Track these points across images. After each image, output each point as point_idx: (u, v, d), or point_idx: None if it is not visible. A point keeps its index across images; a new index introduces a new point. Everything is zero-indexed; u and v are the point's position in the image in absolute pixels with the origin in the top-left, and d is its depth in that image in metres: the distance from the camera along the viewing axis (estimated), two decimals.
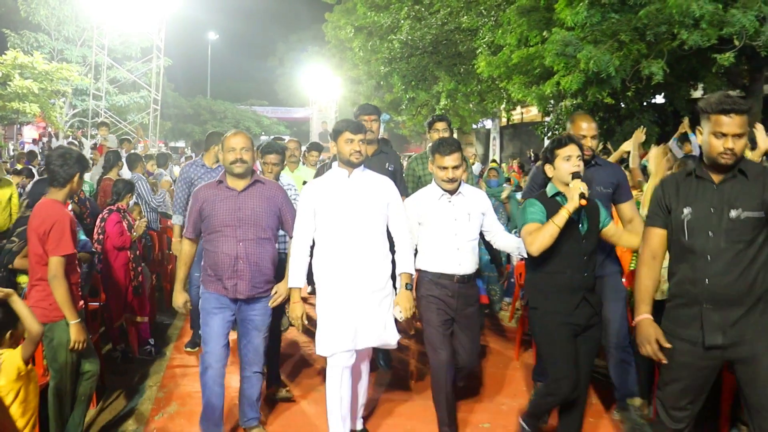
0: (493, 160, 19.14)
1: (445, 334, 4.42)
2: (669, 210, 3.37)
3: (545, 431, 4.75)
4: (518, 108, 21.86)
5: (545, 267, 4.08)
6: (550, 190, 4.17)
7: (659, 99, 15.19)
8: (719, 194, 3.23)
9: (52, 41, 26.96)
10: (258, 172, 5.58)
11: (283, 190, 4.60)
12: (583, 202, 3.83)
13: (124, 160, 9.09)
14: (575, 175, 3.90)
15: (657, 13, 9.71)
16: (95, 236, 6.23)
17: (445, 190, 4.44)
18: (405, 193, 5.22)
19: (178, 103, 43.52)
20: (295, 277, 4.26)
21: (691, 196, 3.28)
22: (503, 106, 18.52)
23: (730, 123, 3.15)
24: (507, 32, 13.14)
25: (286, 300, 4.48)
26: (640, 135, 6.49)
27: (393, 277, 4.57)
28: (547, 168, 4.20)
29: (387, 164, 5.62)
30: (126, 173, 8.90)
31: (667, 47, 10.19)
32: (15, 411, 3.29)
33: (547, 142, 14.62)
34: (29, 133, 29.58)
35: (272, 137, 45.50)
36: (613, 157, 7.02)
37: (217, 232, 4.31)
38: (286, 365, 5.99)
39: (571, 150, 4.06)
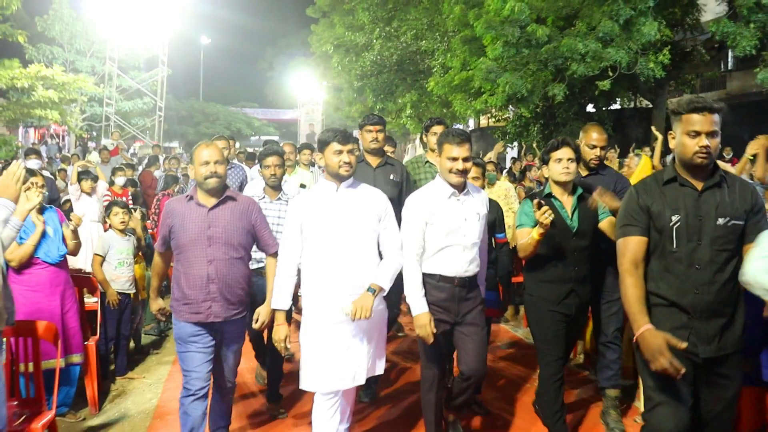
0: None
1: (439, 347, 4.05)
2: (650, 217, 3.16)
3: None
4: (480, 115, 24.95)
5: (538, 259, 4.16)
6: (545, 190, 4.30)
7: (590, 108, 18.45)
8: (705, 201, 3.06)
9: (65, 53, 29.47)
10: (254, 179, 6.19)
11: (257, 206, 4.19)
12: (543, 231, 3.83)
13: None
14: (540, 205, 3.82)
15: (554, 50, 12.92)
16: (150, 216, 9.03)
17: (454, 186, 3.97)
18: None
19: (172, 105, 43.52)
20: (280, 298, 3.84)
21: (678, 203, 3.08)
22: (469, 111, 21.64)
23: (703, 121, 3.03)
24: (454, 56, 16.31)
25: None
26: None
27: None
28: (543, 169, 4.32)
29: (391, 176, 5.31)
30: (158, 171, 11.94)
31: (569, 75, 13.33)
32: None
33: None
34: (32, 135, 32.37)
35: (261, 137, 46.46)
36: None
37: (186, 252, 3.92)
38: (289, 384, 5.31)
39: (563, 153, 4.13)
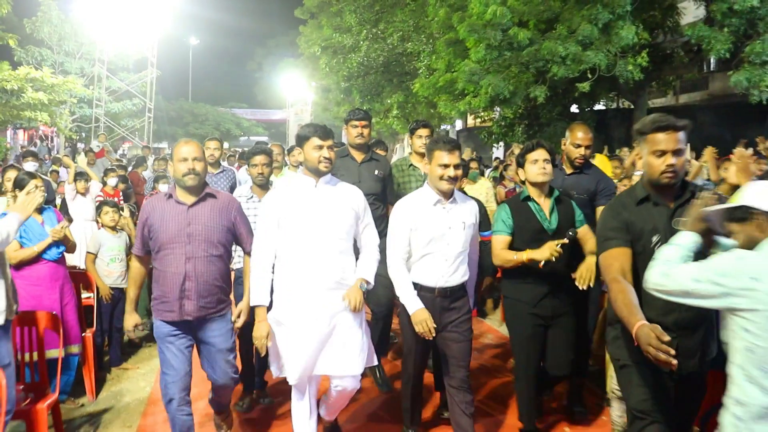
0: None
1: (420, 350, 4.18)
2: (628, 231, 3.14)
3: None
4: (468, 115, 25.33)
5: (521, 268, 4.15)
6: (522, 192, 4.29)
7: (574, 109, 18.81)
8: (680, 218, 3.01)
9: (54, 55, 29.58)
10: (238, 180, 6.32)
11: (237, 203, 4.17)
12: (536, 261, 3.97)
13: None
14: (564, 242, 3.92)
15: (535, 53, 13.24)
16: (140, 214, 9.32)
17: (442, 194, 3.97)
18: (393, 200, 4.68)
19: (162, 106, 43.36)
20: (258, 294, 3.80)
21: (656, 222, 3.08)
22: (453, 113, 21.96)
23: (668, 139, 3.03)
24: (439, 58, 16.63)
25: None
26: None
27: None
28: (519, 172, 4.31)
29: (376, 171, 5.31)
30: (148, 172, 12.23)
31: (550, 77, 13.66)
32: None
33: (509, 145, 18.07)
34: (21, 137, 32.57)
35: (251, 138, 46.31)
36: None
37: (165, 250, 3.89)
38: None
39: (538, 154, 4.14)
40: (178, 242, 3.87)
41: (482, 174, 11.49)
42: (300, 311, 3.75)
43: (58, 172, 14.05)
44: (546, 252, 3.90)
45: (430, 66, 17.58)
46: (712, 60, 20.83)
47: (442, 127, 31.25)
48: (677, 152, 3.04)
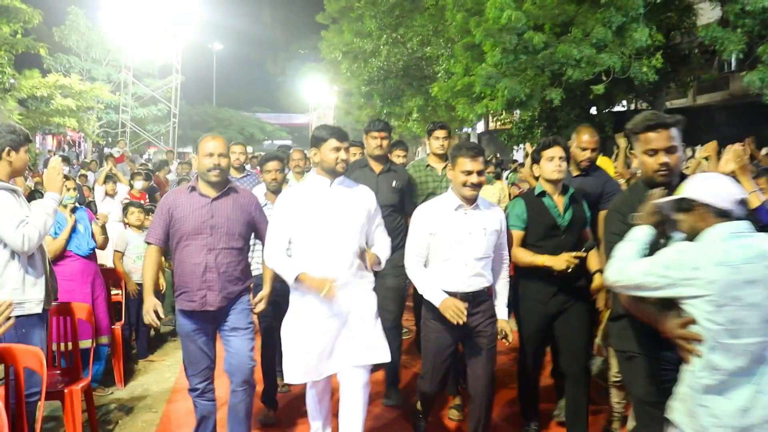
0: None
1: (443, 359, 4.07)
2: None
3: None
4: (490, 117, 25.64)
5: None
6: (537, 188, 4.30)
7: (593, 111, 18.98)
8: None
9: (82, 62, 30.29)
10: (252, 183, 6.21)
11: (256, 199, 4.29)
12: (553, 267, 4.04)
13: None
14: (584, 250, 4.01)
15: (550, 56, 13.47)
16: None
17: (464, 199, 3.96)
18: (412, 210, 4.38)
19: (186, 111, 44.01)
20: (290, 270, 3.79)
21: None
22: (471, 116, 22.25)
23: (659, 138, 3.05)
24: (457, 62, 16.92)
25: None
26: None
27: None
28: (535, 168, 4.32)
29: (394, 182, 5.25)
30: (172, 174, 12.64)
31: (565, 79, 13.88)
32: None
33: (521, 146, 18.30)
34: (49, 142, 33.27)
35: (274, 142, 46.65)
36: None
37: (188, 241, 3.98)
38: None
39: (555, 151, 4.16)
40: (200, 234, 3.96)
41: (498, 177, 11.68)
42: (313, 309, 3.79)
43: (86, 176, 14.48)
44: (562, 263, 3.98)
45: (448, 70, 17.87)
46: (732, 60, 20.94)
47: (464, 129, 31.54)
48: (670, 150, 3.03)
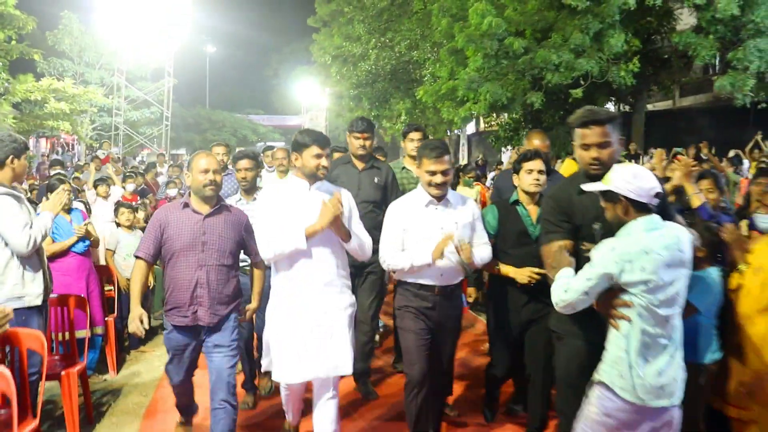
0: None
1: (423, 343, 4.11)
2: (570, 221, 3.32)
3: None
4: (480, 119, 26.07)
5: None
6: (513, 196, 4.37)
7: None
8: None
9: (75, 66, 30.44)
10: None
11: (247, 218, 4.31)
12: (516, 278, 4.17)
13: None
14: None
15: (530, 61, 13.93)
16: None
17: (432, 196, 4.05)
18: None
19: (179, 113, 43.67)
20: (294, 237, 3.80)
21: (598, 210, 3.14)
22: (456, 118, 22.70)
23: (592, 134, 3.17)
24: (442, 66, 17.36)
25: None
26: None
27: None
28: (514, 177, 4.37)
29: (376, 179, 5.28)
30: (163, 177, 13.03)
31: (545, 83, 14.33)
32: None
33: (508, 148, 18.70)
34: (43, 145, 33.62)
35: (267, 143, 47.41)
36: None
37: (179, 257, 4.02)
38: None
39: (534, 165, 4.21)
40: (192, 250, 4.00)
41: (478, 180, 11.98)
42: (294, 311, 3.87)
43: (80, 179, 14.84)
44: (524, 278, 4.11)
45: (434, 73, 18.31)
46: (717, 63, 21.40)
47: (456, 131, 31.97)
48: (602, 145, 3.19)
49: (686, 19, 16.03)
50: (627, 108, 19.69)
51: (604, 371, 3.08)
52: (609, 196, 3.05)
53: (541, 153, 4.32)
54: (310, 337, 3.84)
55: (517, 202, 4.32)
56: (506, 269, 4.24)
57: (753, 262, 3.83)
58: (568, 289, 3.05)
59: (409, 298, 4.12)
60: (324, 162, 3.91)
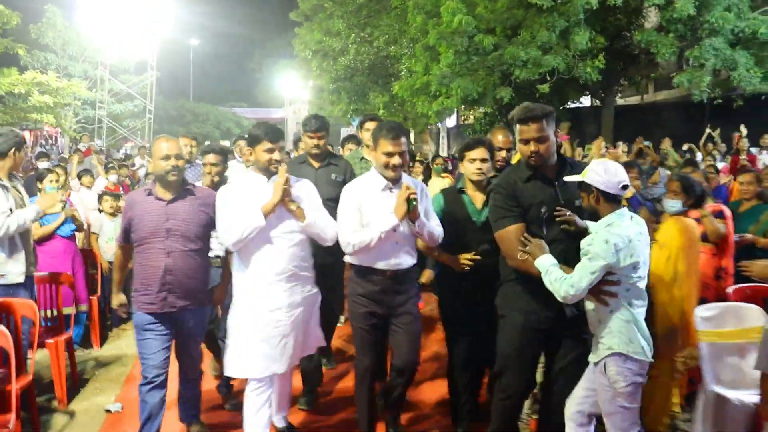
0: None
1: (372, 338, 4.11)
2: (519, 206, 3.51)
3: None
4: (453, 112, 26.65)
5: (449, 252, 4.26)
6: (459, 183, 4.48)
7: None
8: (562, 190, 3.52)
9: (59, 59, 30.79)
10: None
11: (215, 197, 4.13)
12: (454, 265, 4.20)
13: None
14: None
15: (499, 57, 14.47)
16: None
17: (387, 179, 4.02)
18: None
19: (163, 105, 44.35)
20: (252, 216, 3.83)
21: (543, 196, 3.46)
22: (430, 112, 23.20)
23: (529, 130, 3.38)
24: (417, 62, 17.89)
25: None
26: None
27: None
28: (460, 166, 4.46)
29: (333, 175, 5.22)
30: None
31: (514, 79, 14.89)
32: None
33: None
34: (27, 138, 33.80)
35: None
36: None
37: (146, 244, 4.02)
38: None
39: (477, 153, 4.20)
40: (157, 237, 4.00)
41: (447, 170, 12.33)
42: (259, 303, 3.90)
43: (65, 169, 15.24)
44: (457, 265, 4.18)
45: (410, 68, 18.84)
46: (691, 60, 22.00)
47: (438, 124, 32.48)
48: (539, 140, 3.42)
49: (654, 17, 16.61)
50: (598, 102, 20.38)
51: (613, 342, 3.38)
52: (584, 186, 3.43)
53: (484, 141, 4.33)
54: (274, 332, 3.90)
55: (462, 189, 4.38)
56: (443, 257, 4.31)
57: (659, 239, 4.46)
58: (574, 284, 3.29)
59: (361, 284, 4.10)
60: (276, 156, 3.93)
